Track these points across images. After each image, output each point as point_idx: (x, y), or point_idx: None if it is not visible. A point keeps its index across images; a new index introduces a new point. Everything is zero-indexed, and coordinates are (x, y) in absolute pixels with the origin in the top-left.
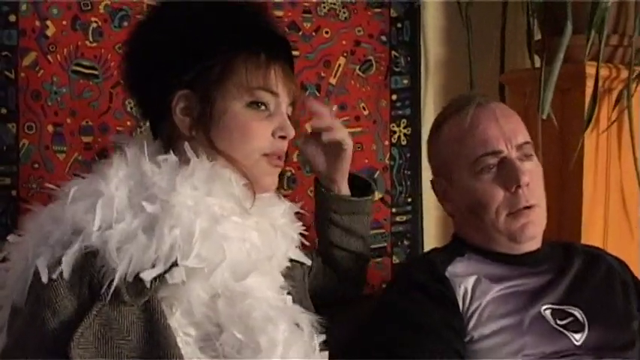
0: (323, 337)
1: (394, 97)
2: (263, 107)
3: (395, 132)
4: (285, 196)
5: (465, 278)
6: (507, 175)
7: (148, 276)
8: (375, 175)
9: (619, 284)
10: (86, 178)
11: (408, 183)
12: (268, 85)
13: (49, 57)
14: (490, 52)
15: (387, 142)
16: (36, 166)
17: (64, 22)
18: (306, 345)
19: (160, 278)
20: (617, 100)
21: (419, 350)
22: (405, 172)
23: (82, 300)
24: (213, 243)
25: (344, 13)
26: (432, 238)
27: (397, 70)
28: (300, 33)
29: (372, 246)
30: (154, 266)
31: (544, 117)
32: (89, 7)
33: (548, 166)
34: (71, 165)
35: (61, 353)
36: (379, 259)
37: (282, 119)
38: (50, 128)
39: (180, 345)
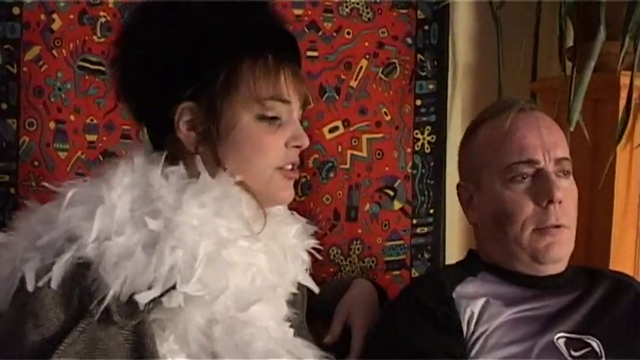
0: None
1: (419, 102)
2: (274, 118)
3: (418, 139)
4: (300, 202)
5: (473, 301)
6: (541, 188)
7: (143, 299)
8: (396, 184)
9: None
10: (88, 180)
11: (431, 193)
12: (279, 94)
13: (54, 52)
14: (522, 57)
15: (409, 150)
16: (36, 164)
17: (71, 16)
18: None
19: (156, 301)
20: None
21: None
22: (428, 181)
23: (68, 314)
24: (218, 269)
25: (367, 13)
26: (454, 251)
27: (423, 74)
28: (320, 33)
29: (390, 258)
30: (150, 288)
31: (571, 129)
32: (98, 2)
33: (577, 182)
34: (73, 164)
35: None
36: (397, 272)
37: (295, 128)
38: (52, 125)
39: None
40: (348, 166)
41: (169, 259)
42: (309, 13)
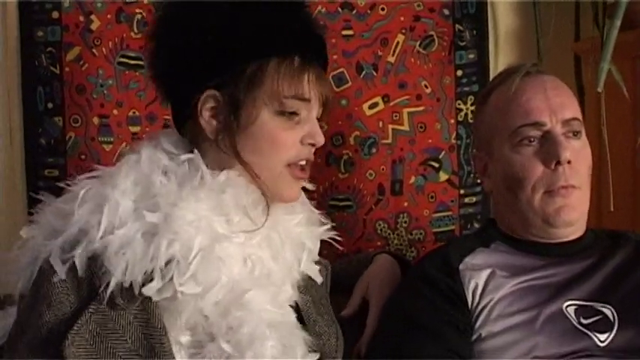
0: (316, 355)
1: (459, 73)
2: (293, 114)
3: (461, 109)
4: (343, 179)
5: (478, 272)
6: (548, 150)
7: (148, 291)
8: (441, 156)
9: None
10: (96, 173)
11: None
12: (300, 93)
13: (94, 50)
14: (565, 19)
15: (452, 121)
16: (83, 157)
17: (109, 16)
18: None
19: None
20: None
21: (418, 350)
22: (474, 150)
23: (80, 299)
24: (211, 264)
25: None
26: None
27: (462, 44)
28: (354, 12)
29: (439, 229)
30: (150, 276)
31: (599, 90)
32: (134, 0)
33: (620, 142)
34: (119, 155)
35: (56, 347)
36: None
37: (312, 125)
38: (96, 120)
39: (173, 349)
40: (390, 140)
41: (167, 250)
42: None
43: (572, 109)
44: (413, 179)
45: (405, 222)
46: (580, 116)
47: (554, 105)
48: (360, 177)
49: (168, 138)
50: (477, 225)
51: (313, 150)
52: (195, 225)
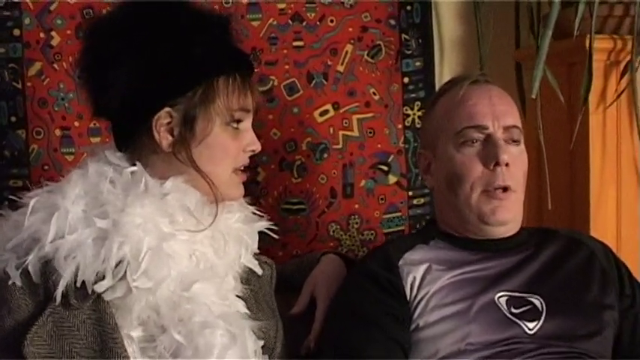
0: (262, 342)
1: (406, 80)
2: (237, 125)
3: (408, 115)
4: (296, 184)
5: (416, 267)
6: (488, 151)
7: (99, 288)
8: (389, 159)
9: (598, 272)
10: (47, 189)
11: None
12: (245, 105)
13: (55, 65)
14: (506, 27)
15: (400, 126)
16: (46, 167)
17: (69, 32)
18: (242, 349)
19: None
20: (623, 73)
21: (361, 339)
22: (419, 150)
23: (37, 302)
24: (160, 261)
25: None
26: None
27: (408, 52)
28: (305, 23)
29: (389, 230)
30: (100, 276)
31: (533, 96)
32: (92, 16)
33: (557, 146)
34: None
35: (18, 348)
36: None
37: (250, 135)
38: (58, 132)
39: (125, 343)
40: (340, 146)
41: (118, 253)
42: (292, 5)
43: (513, 117)
44: (363, 182)
45: (357, 223)
46: (520, 125)
47: (498, 112)
48: (312, 181)
49: (111, 153)
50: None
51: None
52: (142, 227)
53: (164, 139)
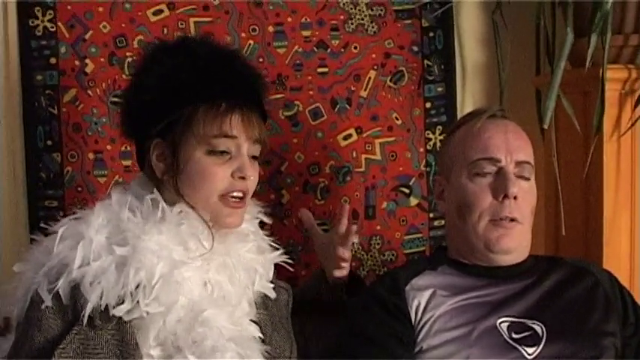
0: None
1: (428, 105)
2: (223, 152)
3: (430, 139)
4: (319, 205)
5: (421, 292)
6: (499, 183)
7: (118, 312)
8: (411, 182)
9: (601, 300)
10: (74, 217)
11: None
12: (224, 132)
13: (89, 91)
14: (527, 54)
15: (422, 150)
16: (79, 189)
17: (102, 59)
18: None
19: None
20: (638, 102)
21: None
22: (435, 175)
23: (66, 323)
24: (170, 287)
25: (372, 27)
26: None
27: (430, 78)
28: (329, 50)
29: (410, 250)
30: (122, 301)
31: (545, 126)
32: (124, 44)
33: (572, 172)
34: (112, 187)
35: None
36: None
37: (241, 161)
38: (91, 155)
39: None
40: (363, 169)
41: (135, 278)
42: (317, 33)
43: (526, 153)
44: (385, 204)
45: (378, 244)
46: (532, 162)
47: (511, 147)
48: (335, 203)
49: (136, 181)
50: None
51: (246, 182)
52: (157, 254)
53: (157, 168)
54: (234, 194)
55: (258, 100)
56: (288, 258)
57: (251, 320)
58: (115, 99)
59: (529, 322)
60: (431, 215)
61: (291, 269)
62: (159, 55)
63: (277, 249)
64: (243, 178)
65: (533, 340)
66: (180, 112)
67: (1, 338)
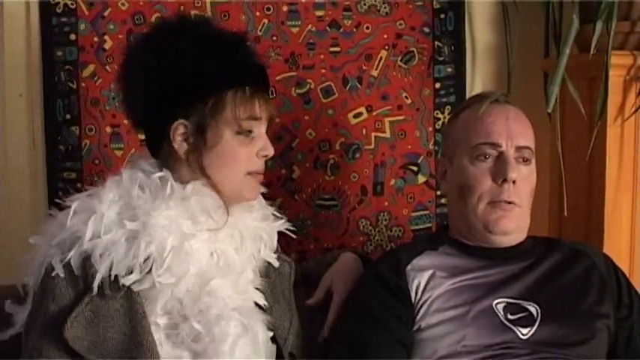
0: (272, 333)
1: (438, 85)
2: (250, 132)
3: (439, 118)
4: (329, 181)
5: (422, 272)
6: (498, 168)
7: (127, 281)
8: (419, 160)
9: (597, 282)
10: (87, 193)
11: None
12: (253, 115)
13: (107, 67)
14: (536, 37)
15: (430, 129)
16: (97, 162)
17: (120, 36)
18: (253, 338)
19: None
20: None
21: (367, 336)
22: (439, 157)
23: (77, 292)
24: (181, 259)
25: (385, 8)
26: None
27: (440, 59)
28: (341, 30)
29: (417, 227)
30: (131, 271)
31: (549, 110)
32: (142, 21)
33: (577, 155)
34: (128, 159)
35: (59, 331)
36: None
37: (263, 140)
38: (108, 129)
39: (152, 329)
40: (372, 146)
41: (145, 251)
42: (330, 12)
43: (527, 138)
44: (393, 181)
45: (386, 220)
46: (533, 147)
47: (512, 132)
48: (344, 179)
49: (144, 160)
50: None
51: (264, 161)
52: (167, 228)
53: (180, 148)
54: (257, 171)
55: (267, 81)
56: (297, 232)
57: (256, 288)
58: None
59: (525, 304)
60: (438, 193)
61: (293, 236)
62: (170, 37)
63: (280, 218)
64: (265, 156)
65: (527, 321)
66: (209, 95)
67: (20, 307)
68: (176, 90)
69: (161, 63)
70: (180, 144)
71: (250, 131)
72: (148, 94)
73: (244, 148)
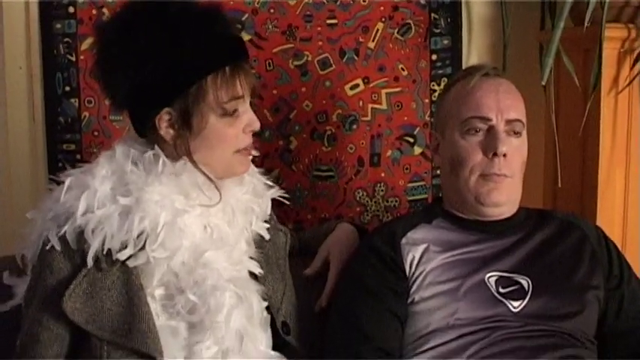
0: (266, 303)
1: (434, 57)
2: (234, 111)
3: (435, 90)
4: (326, 152)
5: (416, 246)
6: (489, 141)
7: (122, 256)
8: (415, 132)
9: (588, 254)
10: (81, 169)
11: None
12: (235, 94)
13: None
14: (532, 9)
15: (427, 100)
16: (96, 134)
17: (118, 8)
18: (248, 308)
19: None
20: (636, 61)
21: (361, 307)
22: (432, 130)
23: (74, 266)
24: (174, 234)
25: None
26: None
27: (437, 31)
28: (338, 2)
29: (413, 197)
30: (125, 246)
31: (543, 82)
32: None
33: (571, 127)
34: (127, 131)
35: (58, 303)
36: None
37: (249, 116)
38: (107, 101)
39: (148, 301)
40: (369, 118)
41: (139, 226)
42: None
43: (517, 111)
44: (390, 152)
45: (382, 190)
46: (524, 119)
47: (502, 105)
48: (341, 150)
49: (137, 139)
50: None
51: (251, 135)
52: (160, 204)
53: (167, 134)
54: (245, 147)
55: (246, 51)
56: (294, 202)
57: (250, 257)
58: None
59: (516, 277)
60: (433, 164)
61: (287, 202)
62: (142, 24)
63: (272, 187)
64: (252, 131)
65: (519, 294)
66: (189, 85)
67: (19, 279)
68: (156, 82)
69: (137, 56)
70: (166, 130)
71: (235, 110)
72: (128, 86)
73: (231, 128)
